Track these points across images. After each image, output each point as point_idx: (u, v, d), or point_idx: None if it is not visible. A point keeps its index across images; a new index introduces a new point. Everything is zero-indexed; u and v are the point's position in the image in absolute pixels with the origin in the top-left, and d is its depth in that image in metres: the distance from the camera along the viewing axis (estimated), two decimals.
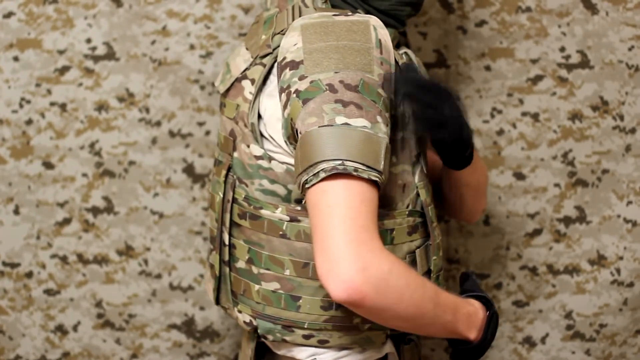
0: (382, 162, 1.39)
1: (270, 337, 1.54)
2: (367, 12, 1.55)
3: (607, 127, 2.03)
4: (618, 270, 2.07)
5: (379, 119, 1.41)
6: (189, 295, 2.07)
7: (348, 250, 1.33)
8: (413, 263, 1.53)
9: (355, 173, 1.36)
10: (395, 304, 1.37)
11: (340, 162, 1.36)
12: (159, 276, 2.06)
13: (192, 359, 2.09)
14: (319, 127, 1.39)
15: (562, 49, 2.02)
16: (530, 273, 2.08)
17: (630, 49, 2.01)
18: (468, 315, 1.49)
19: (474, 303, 1.53)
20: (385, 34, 1.47)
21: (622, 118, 2.03)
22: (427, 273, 1.55)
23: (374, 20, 1.47)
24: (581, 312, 2.08)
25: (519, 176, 2.05)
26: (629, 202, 2.05)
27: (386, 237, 1.49)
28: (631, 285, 2.07)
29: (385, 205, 1.50)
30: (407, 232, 1.53)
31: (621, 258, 2.06)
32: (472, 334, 1.50)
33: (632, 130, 2.04)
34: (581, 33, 2.01)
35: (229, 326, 2.09)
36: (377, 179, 1.38)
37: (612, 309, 2.08)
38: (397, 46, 1.61)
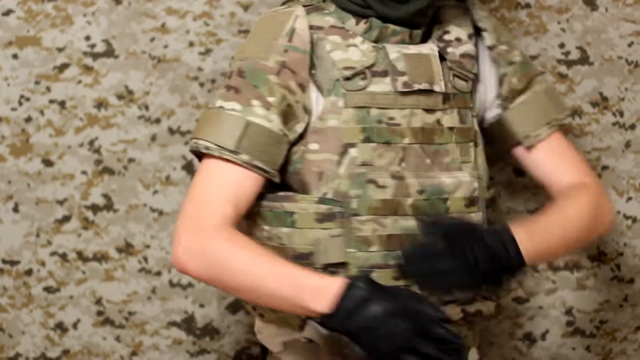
0: (241, 142, 1.52)
1: None
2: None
3: (607, 123, 2.03)
4: (618, 267, 2.07)
5: (254, 102, 1.54)
6: (189, 293, 2.07)
7: (179, 223, 1.53)
8: (323, 252, 1.55)
9: (205, 151, 1.53)
10: (220, 276, 1.50)
11: (195, 140, 1.56)
12: (158, 273, 2.06)
13: (192, 356, 2.09)
14: (205, 108, 1.61)
15: (562, 45, 2.02)
16: (529, 269, 2.08)
17: (629, 45, 2.02)
18: (315, 289, 1.44)
19: (329, 278, 1.46)
20: (302, 23, 1.57)
21: (621, 114, 2.03)
22: (342, 265, 1.55)
23: (300, 10, 1.58)
24: (581, 308, 2.08)
25: (518, 172, 2.05)
26: (629, 199, 2.05)
27: (285, 219, 1.58)
28: (631, 281, 2.07)
29: (297, 189, 1.59)
30: (316, 219, 1.56)
31: (621, 254, 2.06)
32: (321, 307, 1.43)
33: (632, 127, 2.04)
34: (581, 29, 2.01)
35: (229, 323, 2.09)
36: (230, 158, 1.52)
37: (613, 305, 2.08)
38: (377, 40, 1.60)
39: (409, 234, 1.56)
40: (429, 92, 1.59)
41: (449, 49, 1.63)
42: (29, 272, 2.06)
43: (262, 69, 1.56)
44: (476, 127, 1.65)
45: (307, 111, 1.58)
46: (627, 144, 2.04)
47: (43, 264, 2.05)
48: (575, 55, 2.02)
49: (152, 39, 2.01)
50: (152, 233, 2.05)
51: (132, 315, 2.07)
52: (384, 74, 1.58)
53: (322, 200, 1.57)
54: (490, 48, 1.67)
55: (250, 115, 1.54)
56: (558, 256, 1.74)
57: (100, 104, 2.02)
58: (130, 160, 2.03)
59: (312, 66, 1.58)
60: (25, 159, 2.03)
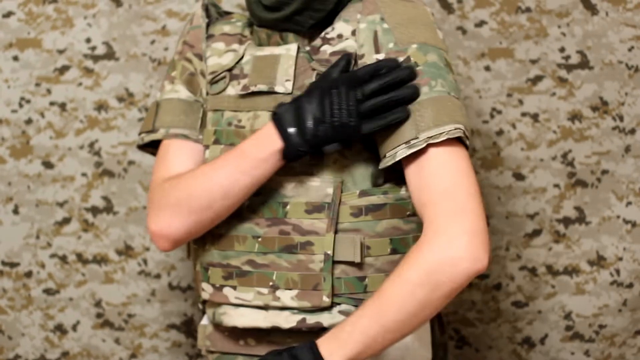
0: (155, 121, 1.63)
1: None
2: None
3: (607, 127, 2.03)
4: (617, 271, 2.07)
5: (165, 83, 1.66)
6: (188, 295, 2.07)
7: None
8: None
9: (141, 142, 1.65)
10: (188, 210, 1.54)
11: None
12: (158, 276, 2.06)
13: (191, 358, 2.09)
14: None
15: (562, 50, 2.02)
16: (529, 274, 2.08)
17: (630, 50, 2.01)
18: (255, 141, 1.50)
19: (257, 130, 1.52)
20: (198, 6, 1.67)
21: (621, 119, 2.03)
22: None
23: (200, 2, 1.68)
24: (580, 312, 2.08)
25: (519, 177, 2.05)
26: (629, 203, 2.05)
27: None
28: (630, 286, 2.07)
29: None
30: None
31: (620, 259, 2.06)
32: (273, 143, 1.48)
33: (632, 131, 2.04)
34: (581, 33, 2.01)
35: None
36: (154, 139, 1.62)
37: (612, 310, 2.07)
38: (261, 44, 1.61)
39: (238, 236, 1.55)
40: (273, 93, 1.55)
41: (323, 48, 1.55)
42: (28, 274, 2.06)
43: (175, 55, 1.68)
44: None
45: (205, 76, 1.63)
46: (627, 149, 2.04)
47: (43, 265, 2.06)
48: (575, 59, 2.02)
49: (153, 42, 2.01)
50: None
51: (132, 318, 2.07)
52: (238, 77, 1.59)
53: None
54: (358, 58, 1.53)
55: (163, 95, 1.66)
56: (396, 340, 1.43)
57: (101, 107, 2.02)
58: (130, 162, 2.04)
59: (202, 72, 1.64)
60: (26, 161, 2.03)
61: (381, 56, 1.50)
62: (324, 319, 1.52)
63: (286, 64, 1.55)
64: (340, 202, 1.51)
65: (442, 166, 1.44)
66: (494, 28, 2.01)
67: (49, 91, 2.01)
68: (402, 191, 1.53)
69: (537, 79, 2.02)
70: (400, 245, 1.53)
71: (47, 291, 2.06)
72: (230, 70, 1.60)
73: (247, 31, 1.63)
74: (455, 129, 1.43)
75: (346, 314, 1.50)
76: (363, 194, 1.52)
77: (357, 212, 1.51)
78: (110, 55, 2.01)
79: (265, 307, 1.53)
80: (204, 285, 1.58)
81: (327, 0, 1.55)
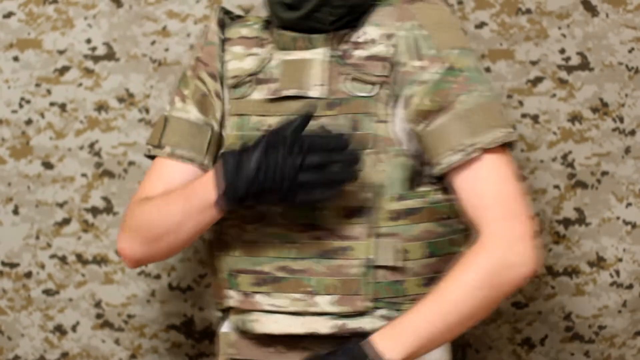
0: (162, 137, 1.63)
1: None
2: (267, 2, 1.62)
3: (607, 129, 2.04)
4: (617, 272, 2.07)
5: (176, 99, 1.65)
6: (188, 296, 2.07)
7: None
8: (204, 252, 1.64)
9: (147, 153, 1.66)
10: (145, 236, 1.58)
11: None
12: (158, 277, 2.06)
13: (191, 359, 2.09)
14: None
15: (562, 51, 2.02)
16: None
17: (630, 51, 2.02)
18: (197, 187, 1.53)
19: (205, 175, 1.54)
20: (212, 19, 1.66)
21: (622, 120, 2.03)
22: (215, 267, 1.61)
23: (216, 6, 1.69)
24: (580, 313, 2.09)
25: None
26: (629, 204, 2.06)
27: None
28: (630, 287, 2.07)
29: None
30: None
31: (620, 260, 2.07)
32: (210, 193, 1.50)
33: (632, 132, 2.04)
34: (581, 35, 2.01)
35: None
36: (157, 154, 1.63)
37: (612, 311, 2.08)
38: (285, 48, 1.59)
39: (272, 241, 1.54)
40: (305, 98, 1.54)
41: (355, 52, 1.55)
42: (28, 275, 2.06)
43: (186, 69, 1.67)
44: (383, 132, 1.52)
45: (220, 98, 1.63)
46: (627, 150, 2.04)
47: (42, 266, 2.05)
48: (575, 60, 2.02)
49: (153, 42, 2.01)
50: None
51: (132, 318, 2.07)
52: (266, 81, 1.58)
53: None
54: (399, 66, 1.54)
55: (172, 111, 1.65)
56: (449, 340, 1.50)
57: (101, 107, 2.02)
58: (131, 163, 2.04)
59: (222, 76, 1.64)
60: (26, 162, 2.03)
61: (423, 63, 1.52)
62: (365, 323, 1.52)
63: (318, 69, 1.55)
64: (378, 207, 1.51)
65: (494, 171, 1.49)
66: (494, 29, 2.01)
67: (49, 92, 2.01)
68: (437, 194, 1.54)
69: (538, 81, 2.02)
70: (436, 248, 1.54)
71: (47, 292, 2.06)
72: (254, 74, 1.59)
73: (265, 34, 1.62)
74: (508, 133, 1.50)
75: (387, 318, 1.51)
76: (400, 197, 1.52)
77: (395, 216, 1.52)
78: (110, 55, 2.01)
79: (301, 313, 1.53)
80: (231, 292, 1.56)
81: None
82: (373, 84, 1.53)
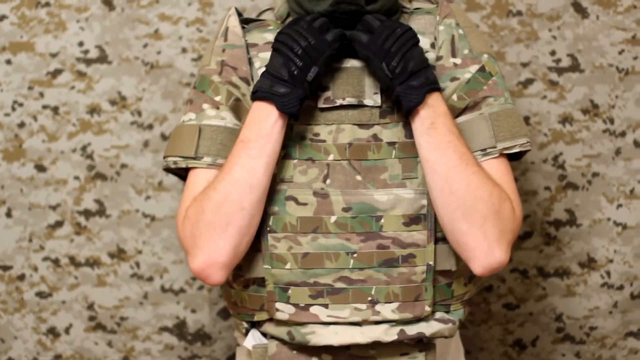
0: (199, 147, 1.56)
1: None
2: None
3: (598, 130, 2.04)
4: (608, 273, 2.07)
5: (205, 106, 1.58)
6: (181, 298, 2.07)
7: (182, 242, 1.55)
8: (247, 265, 1.56)
9: (174, 166, 1.58)
10: (222, 225, 1.50)
11: (165, 159, 1.60)
12: (150, 279, 2.07)
13: None
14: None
15: (553, 53, 2.03)
16: (520, 276, 2.08)
17: (620, 53, 2.02)
18: (249, 125, 1.52)
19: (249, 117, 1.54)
20: (233, 20, 1.60)
21: (612, 121, 2.04)
22: (261, 281, 1.56)
23: (233, 10, 1.62)
24: (571, 314, 2.09)
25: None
26: (619, 205, 2.06)
27: None
28: (621, 288, 2.08)
29: None
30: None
31: (611, 261, 2.07)
32: (273, 112, 1.51)
33: (622, 134, 2.04)
34: (572, 37, 2.02)
35: (221, 329, 2.09)
36: (196, 165, 1.55)
37: (602, 312, 2.08)
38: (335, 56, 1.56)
39: (328, 253, 1.53)
40: (360, 106, 1.54)
41: None
42: (21, 277, 2.06)
43: (207, 73, 1.59)
44: None
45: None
46: (617, 151, 2.05)
47: (35, 269, 2.06)
48: (566, 62, 2.03)
49: (145, 45, 2.01)
50: (144, 239, 2.05)
51: (124, 321, 2.07)
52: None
53: None
54: (436, 59, 1.57)
55: (204, 119, 1.57)
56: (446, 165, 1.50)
57: (93, 110, 2.03)
58: (123, 165, 2.04)
59: (252, 78, 1.59)
60: (19, 164, 2.04)
61: (457, 60, 1.56)
62: (424, 328, 1.55)
63: (372, 77, 1.54)
64: (432, 212, 1.53)
65: (505, 173, 1.56)
66: (485, 31, 2.02)
67: (41, 94, 2.02)
68: None
69: (528, 82, 2.03)
70: None
71: (40, 294, 2.07)
72: None
73: None
74: (526, 142, 1.56)
75: (441, 321, 1.55)
76: None
77: None
78: (102, 58, 2.02)
79: (361, 323, 1.53)
80: (281, 305, 1.54)
81: None
82: None
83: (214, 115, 1.57)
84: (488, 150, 1.54)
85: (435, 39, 1.58)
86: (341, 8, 1.53)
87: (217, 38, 1.61)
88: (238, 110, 1.58)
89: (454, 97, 1.56)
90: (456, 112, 1.56)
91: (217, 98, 1.58)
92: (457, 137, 1.50)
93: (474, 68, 1.56)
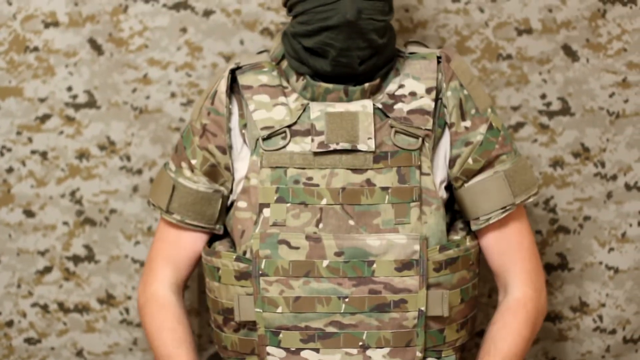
0: (171, 203, 1.67)
1: None
2: (293, 49, 1.61)
3: (589, 173, 2.04)
4: (600, 317, 2.06)
5: (183, 164, 1.67)
6: None
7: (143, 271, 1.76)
8: (238, 309, 1.59)
9: (152, 208, 1.72)
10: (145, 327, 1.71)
11: (148, 197, 1.74)
12: (139, 325, 2.05)
13: None
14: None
15: (543, 96, 2.02)
16: None
17: (611, 96, 2.02)
18: None
19: None
20: (222, 86, 1.62)
21: (603, 165, 2.03)
22: (252, 324, 1.58)
23: (227, 72, 1.64)
24: (563, 359, 2.08)
25: None
26: (611, 249, 2.05)
27: (214, 273, 1.64)
28: (614, 332, 2.07)
29: (229, 246, 1.67)
30: (235, 276, 1.59)
31: (603, 305, 2.06)
32: None
33: (614, 177, 2.04)
34: (562, 80, 2.02)
35: None
36: (167, 218, 1.69)
37: (595, 356, 2.07)
38: (314, 98, 1.60)
39: (320, 297, 1.54)
40: (353, 151, 1.56)
41: (397, 105, 1.59)
42: (9, 324, 2.05)
43: (192, 129, 1.68)
44: (428, 184, 1.59)
45: (230, 171, 1.64)
46: (609, 195, 2.04)
47: (24, 315, 2.05)
48: (556, 106, 2.02)
49: (134, 90, 2.01)
50: (134, 284, 2.04)
51: None
52: (306, 133, 1.58)
53: (239, 259, 1.59)
54: (449, 126, 1.62)
55: (180, 177, 1.67)
56: None
57: (82, 155, 2.02)
58: (112, 211, 2.03)
59: (243, 126, 1.62)
60: (7, 210, 2.03)
61: (467, 123, 1.62)
62: None
63: (366, 122, 1.56)
64: (425, 258, 1.56)
65: (522, 224, 1.67)
66: (475, 75, 2.02)
67: (30, 140, 2.01)
68: (466, 242, 1.62)
69: (519, 126, 2.02)
70: (466, 294, 1.61)
71: (29, 340, 2.05)
72: (289, 126, 1.58)
73: (284, 82, 1.62)
74: (537, 192, 1.67)
75: None
76: (443, 248, 1.58)
77: (439, 266, 1.57)
78: (91, 103, 2.01)
79: None
80: (272, 349, 1.56)
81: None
82: (418, 137, 1.58)
83: (189, 177, 1.67)
84: (507, 208, 1.63)
85: (436, 88, 1.62)
86: (336, 71, 1.57)
87: (207, 96, 1.65)
88: (213, 175, 1.65)
89: (470, 160, 1.62)
90: (472, 174, 1.62)
91: (194, 162, 1.67)
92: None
93: (484, 128, 1.62)
